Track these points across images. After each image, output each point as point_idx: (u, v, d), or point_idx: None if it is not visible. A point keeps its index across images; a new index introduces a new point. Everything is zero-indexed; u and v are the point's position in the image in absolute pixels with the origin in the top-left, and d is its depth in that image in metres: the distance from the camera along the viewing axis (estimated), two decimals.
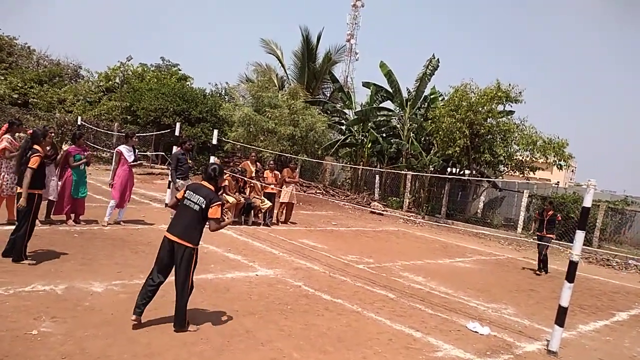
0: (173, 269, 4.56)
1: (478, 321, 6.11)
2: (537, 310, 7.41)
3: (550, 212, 10.41)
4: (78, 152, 8.48)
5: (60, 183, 8.35)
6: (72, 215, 8.56)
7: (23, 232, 5.87)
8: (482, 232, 15.77)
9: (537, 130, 17.95)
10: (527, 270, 10.95)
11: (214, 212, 4.48)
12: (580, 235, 5.38)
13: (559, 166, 18.21)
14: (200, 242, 4.62)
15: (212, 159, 10.53)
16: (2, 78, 22.77)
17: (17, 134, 7.92)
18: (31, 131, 6.57)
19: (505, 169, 20.18)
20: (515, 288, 8.89)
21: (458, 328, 5.86)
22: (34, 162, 5.92)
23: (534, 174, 19.83)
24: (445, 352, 4.98)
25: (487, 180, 19.95)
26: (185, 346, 4.21)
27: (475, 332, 5.78)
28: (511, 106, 18.60)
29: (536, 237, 10.85)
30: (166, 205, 11.29)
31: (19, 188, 6.03)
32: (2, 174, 7.50)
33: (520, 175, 19.71)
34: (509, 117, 18.91)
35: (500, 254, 13.10)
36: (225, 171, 11.12)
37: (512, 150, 18.73)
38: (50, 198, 8.13)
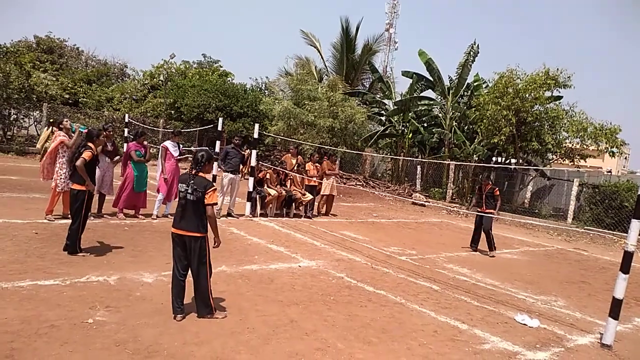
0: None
1: (527, 313, 5.94)
2: (589, 302, 7.13)
3: (489, 186, 9.80)
4: (138, 148, 8.84)
5: (122, 178, 8.82)
6: (133, 210, 8.99)
7: (77, 226, 6.18)
8: (530, 222, 15.27)
9: (588, 116, 17.23)
10: (576, 261, 10.55)
11: (210, 197, 4.52)
12: (635, 225, 5.11)
13: (611, 153, 17.38)
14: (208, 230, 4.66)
15: (254, 153, 10.69)
16: (54, 79, 23.86)
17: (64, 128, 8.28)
18: (87, 130, 6.91)
19: (554, 157, 19.46)
20: (565, 280, 8.57)
21: (506, 320, 5.72)
22: (86, 154, 6.24)
23: (585, 161, 19.01)
24: (492, 345, 4.87)
25: (534, 169, 19.27)
26: (232, 335, 4.31)
27: (524, 324, 5.62)
28: (559, 91, 17.88)
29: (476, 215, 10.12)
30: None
31: (71, 183, 6.36)
32: (57, 169, 7.89)
33: (570, 164, 18.93)
34: (557, 103, 18.19)
35: (550, 245, 12.65)
36: (266, 164, 11.30)
37: (561, 137, 18.02)
38: (103, 192, 8.51)
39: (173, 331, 4.24)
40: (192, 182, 4.56)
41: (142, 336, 4.06)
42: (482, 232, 9.87)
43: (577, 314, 6.41)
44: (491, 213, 9.67)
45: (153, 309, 4.69)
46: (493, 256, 9.63)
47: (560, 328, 5.70)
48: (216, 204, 4.65)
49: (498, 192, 9.82)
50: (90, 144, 6.43)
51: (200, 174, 4.64)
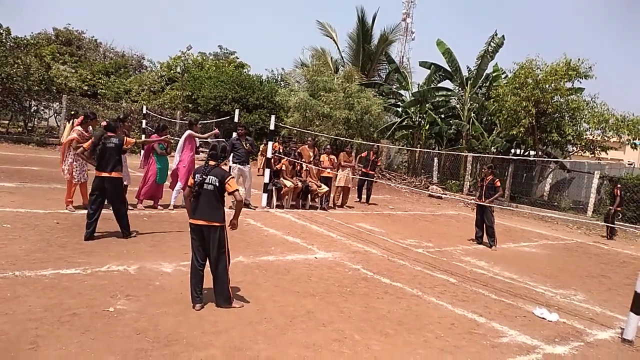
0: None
1: (545, 307, 5.87)
2: (609, 297, 7.02)
3: (489, 178, 9.59)
4: (160, 141, 8.95)
5: (140, 170, 8.99)
6: (152, 200, 9.14)
7: (124, 211, 6.74)
8: (549, 215, 15.05)
9: (609, 107, 16.83)
10: (596, 255, 10.39)
11: (232, 185, 4.62)
12: None
13: (633, 145, 16.99)
14: (226, 220, 4.72)
15: (270, 145, 10.72)
16: (74, 71, 24.18)
17: (90, 127, 8.40)
18: (105, 123, 7.07)
19: (574, 149, 19.10)
20: (585, 274, 8.45)
21: (524, 314, 5.66)
22: (129, 142, 6.91)
23: (606, 153, 18.63)
24: (510, 338, 4.83)
25: (554, 161, 18.96)
26: (250, 325, 4.35)
27: (543, 318, 5.56)
28: (580, 82, 17.51)
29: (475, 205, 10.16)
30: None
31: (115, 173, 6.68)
32: (70, 160, 8.02)
33: (591, 156, 18.57)
34: (578, 94, 17.81)
35: (569, 239, 12.46)
36: (282, 156, 11.33)
37: (581, 129, 17.67)
38: (126, 183, 8.64)
39: (192, 320, 4.30)
40: (210, 172, 4.63)
41: (161, 325, 4.13)
42: (485, 227, 9.73)
43: (597, 309, 6.31)
44: (489, 205, 9.50)
45: (172, 298, 4.75)
46: (495, 250, 9.49)
47: (579, 322, 5.63)
48: (238, 190, 4.72)
49: (499, 184, 9.64)
50: (111, 134, 6.71)
51: (215, 164, 4.73)
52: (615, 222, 13.29)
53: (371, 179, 13.97)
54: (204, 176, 4.62)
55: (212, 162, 4.70)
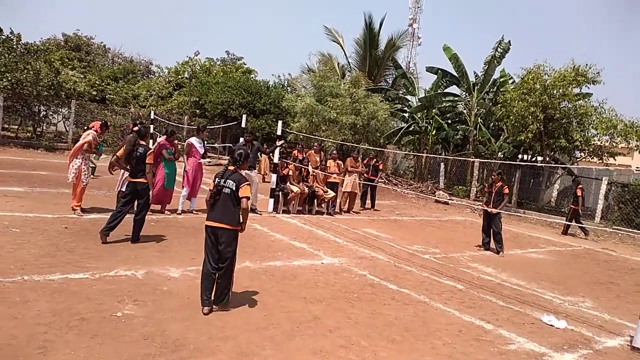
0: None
1: (554, 314, 5.83)
2: (618, 304, 6.96)
3: (499, 184, 9.52)
4: (168, 147, 9.02)
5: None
6: (159, 205, 9.18)
7: (142, 217, 6.85)
8: (557, 221, 14.93)
9: (618, 113, 16.73)
10: (604, 262, 10.30)
11: (244, 191, 4.70)
12: None
13: None
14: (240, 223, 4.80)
15: (277, 151, 10.75)
16: (82, 76, 24.38)
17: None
18: (137, 129, 7.37)
19: (582, 154, 18.98)
20: (593, 280, 8.38)
21: (532, 321, 5.63)
22: (150, 159, 6.87)
23: (614, 159, 18.50)
24: (518, 345, 4.80)
25: (561, 167, 18.85)
26: (257, 330, 4.36)
27: (551, 325, 5.52)
28: (588, 88, 17.43)
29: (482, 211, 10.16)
30: None
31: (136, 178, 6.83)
32: (79, 163, 8.11)
33: (599, 162, 18.44)
34: (586, 99, 17.73)
35: (577, 245, 12.37)
36: (289, 162, 11.36)
37: (589, 135, 17.57)
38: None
39: (199, 326, 4.31)
40: (229, 176, 4.74)
41: (169, 330, 4.14)
42: (492, 233, 9.68)
43: (605, 316, 6.26)
44: (497, 212, 9.45)
45: (180, 303, 4.77)
46: (503, 256, 9.42)
47: (588, 330, 5.59)
48: (249, 197, 4.78)
49: (507, 191, 9.60)
50: (143, 142, 6.94)
51: (235, 169, 4.85)
52: (582, 222, 13.98)
53: (373, 183, 13.94)
54: (222, 180, 4.74)
55: (231, 167, 4.83)
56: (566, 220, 13.92)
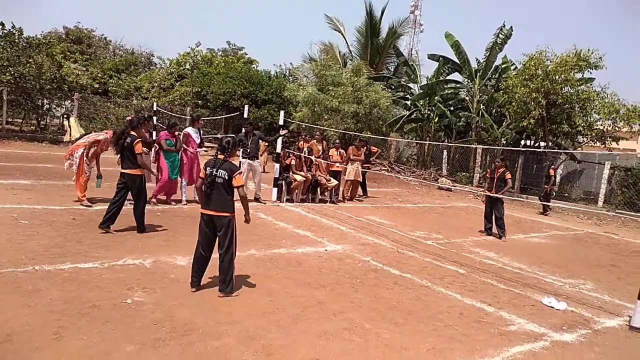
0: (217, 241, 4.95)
1: (554, 296, 5.93)
2: (618, 286, 7.06)
3: (501, 170, 9.56)
4: (168, 138, 9.12)
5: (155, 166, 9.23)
6: (165, 196, 9.33)
7: (140, 209, 6.90)
8: (559, 206, 15.00)
9: (620, 97, 16.71)
10: (606, 245, 10.37)
11: (237, 180, 4.79)
12: None
13: None
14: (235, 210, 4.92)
15: (279, 140, 10.83)
16: (84, 69, 24.42)
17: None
18: (130, 118, 7.28)
19: (585, 139, 18.98)
20: (595, 263, 8.47)
21: (532, 303, 5.73)
22: (138, 148, 6.77)
23: (617, 144, 18.48)
24: (518, 326, 4.91)
25: (564, 152, 18.85)
26: (263, 315, 4.48)
27: (551, 307, 5.63)
28: (590, 73, 17.37)
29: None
30: None
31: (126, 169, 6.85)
32: (82, 154, 8.24)
33: (602, 146, 18.43)
34: (588, 84, 17.68)
35: (579, 229, 12.45)
36: (291, 151, 11.44)
37: (592, 119, 17.55)
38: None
39: (207, 311, 4.43)
40: (220, 166, 4.80)
41: (177, 316, 4.26)
42: (494, 218, 9.75)
43: (605, 297, 6.36)
44: (499, 197, 9.53)
45: (187, 290, 4.89)
46: (505, 241, 9.51)
47: (587, 311, 5.69)
48: (242, 185, 4.88)
49: (509, 176, 9.63)
50: (133, 133, 6.85)
51: (224, 157, 4.89)
52: (551, 200, 14.63)
53: (364, 169, 13.32)
54: (214, 170, 4.79)
55: (220, 156, 4.87)
56: (539, 200, 14.69)
